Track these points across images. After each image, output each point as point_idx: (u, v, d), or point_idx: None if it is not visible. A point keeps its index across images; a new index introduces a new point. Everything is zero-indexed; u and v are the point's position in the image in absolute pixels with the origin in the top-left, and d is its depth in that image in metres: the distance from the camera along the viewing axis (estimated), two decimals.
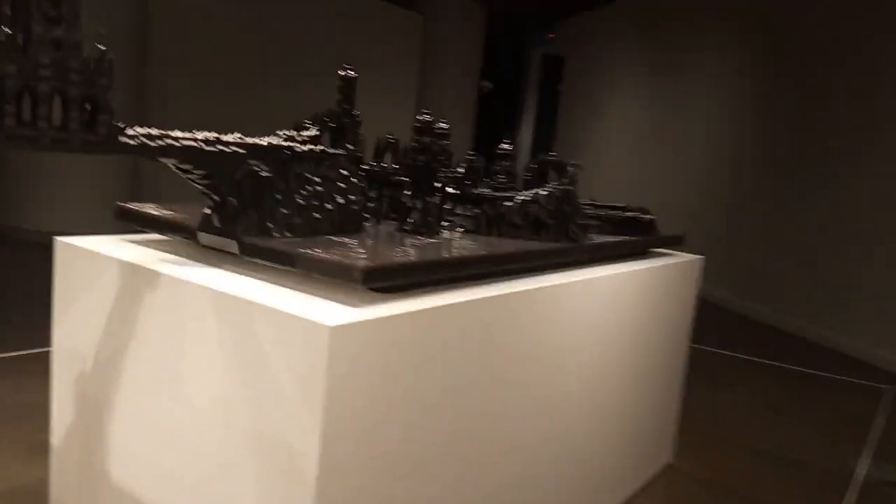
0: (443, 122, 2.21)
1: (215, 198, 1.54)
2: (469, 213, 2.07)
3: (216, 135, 1.52)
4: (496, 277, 1.80)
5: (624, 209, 2.59)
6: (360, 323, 1.26)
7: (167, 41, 7.19)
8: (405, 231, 1.89)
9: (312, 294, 1.40)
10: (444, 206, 2.09)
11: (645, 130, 9.24)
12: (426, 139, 1.91)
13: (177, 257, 1.64)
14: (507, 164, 2.26)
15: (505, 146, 2.30)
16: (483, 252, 1.74)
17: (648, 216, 2.62)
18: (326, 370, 1.20)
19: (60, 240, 1.74)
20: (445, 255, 1.62)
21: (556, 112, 12.63)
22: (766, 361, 5.07)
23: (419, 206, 1.89)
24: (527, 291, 1.75)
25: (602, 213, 2.54)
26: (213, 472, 1.41)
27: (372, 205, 2.05)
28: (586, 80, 11.21)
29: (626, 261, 2.44)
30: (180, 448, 1.48)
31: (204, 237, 1.59)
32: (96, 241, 1.73)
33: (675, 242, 2.90)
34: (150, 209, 1.77)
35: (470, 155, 2.17)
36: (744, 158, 7.25)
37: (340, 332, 1.22)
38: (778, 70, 6.92)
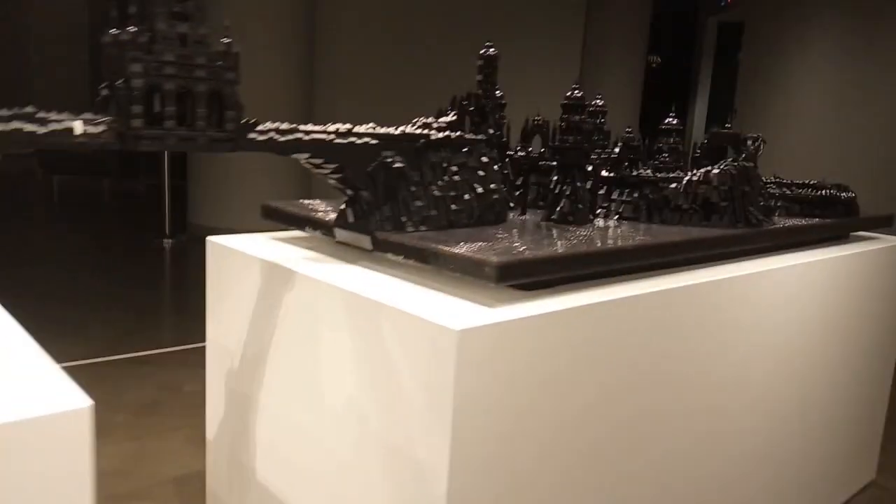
0: (597, 98, 2.01)
1: (349, 192, 1.48)
2: (628, 199, 1.86)
3: (349, 126, 1.45)
4: (659, 270, 1.58)
5: (817, 187, 2.22)
6: (491, 325, 1.12)
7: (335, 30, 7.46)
8: (553, 221, 1.72)
9: (447, 293, 1.29)
10: (599, 192, 1.90)
11: (839, 98, 8.22)
12: (576, 118, 1.72)
13: (316, 254, 1.60)
14: (673, 140, 2.01)
15: (670, 120, 2.05)
16: (639, 242, 1.53)
17: (847, 194, 2.23)
18: (454, 378, 1.08)
19: (211, 239, 1.77)
20: (593, 246, 1.43)
21: (734, 85, 11.67)
22: None
23: (568, 192, 1.72)
24: (691, 286, 1.52)
25: (790, 192, 2.20)
26: (348, 476, 1.35)
27: (518, 193, 1.91)
28: (768, 46, 10.21)
29: (823, 246, 2.09)
30: (318, 449, 1.43)
31: (340, 233, 1.53)
32: (244, 239, 1.74)
33: (884, 224, 2.46)
34: (293, 207, 1.75)
35: (627, 132, 1.95)
36: None
37: (469, 337, 1.09)
38: None
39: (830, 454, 2.28)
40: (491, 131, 1.66)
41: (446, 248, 1.30)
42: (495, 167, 1.66)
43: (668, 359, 1.49)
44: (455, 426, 1.10)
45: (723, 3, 12.01)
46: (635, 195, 1.85)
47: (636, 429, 1.45)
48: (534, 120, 2.00)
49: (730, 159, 1.87)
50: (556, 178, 1.73)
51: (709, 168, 1.81)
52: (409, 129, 1.54)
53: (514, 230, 1.57)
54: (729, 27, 12.06)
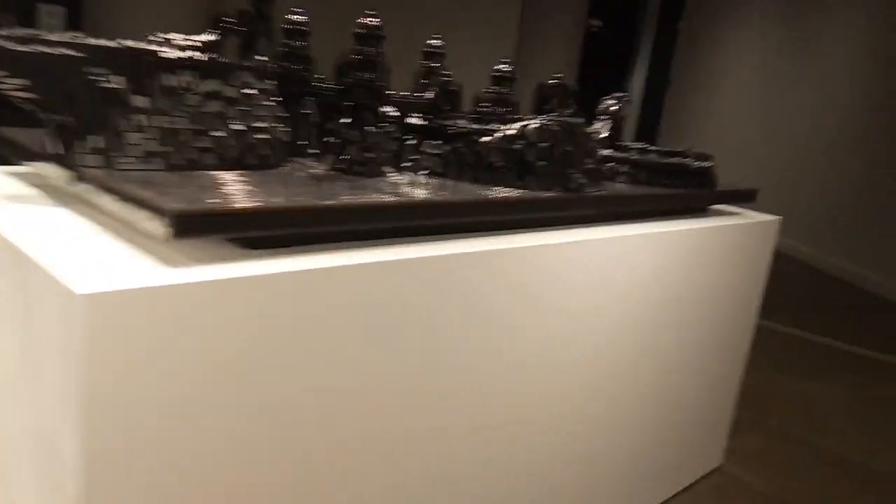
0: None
1: (52, 117, 1.20)
2: (437, 152, 1.63)
3: (59, 36, 1.17)
4: (437, 236, 1.36)
5: (666, 154, 2.04)
6: (139, 291, 0.88)
7: None
8: (340, 171, 1.48)
9: (136, 245, 1.04)
10: (408, 142, 1.66)
11: (767, 73, 8.18)
12: (371, 50, 1.47)
13: (14, 193, 1.33)
14: (502, 89, 1.78)
15: (502, 67, 1.82)
16: (403, 199, 1.29)
17: (701, 163, 2.05)
18: (86, 355, 0.84)
19: None
20: (335, 200, 1.19)
21: (671, 54, 11.57)
22: (871, 353, 4.28)
23: (357, 137, 1.47)
24: (459, 255, 1.30)
25: (633, 157, 2.00)
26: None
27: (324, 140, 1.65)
28: (708, 16, 10.11)
29: (665, 219, 1.91)
30: None
31: (38, 167, 1.25)
32: None
33: (746, 199, 2.31)
34: (18, 134, 1.46)
35: (444, 75, 1.71)
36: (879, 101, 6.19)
37: (104, 303, 0.85)
38: None
39: (671, 439, 2.16)
40: (260, 58, 1.39)
41: (132, 192, 1.04)
42: (267, 102, 1.40)
43: (433, 341, 1.28)
44: (90, 416, 0.87)
45: None
46: (447, 148, 1.62)
47: (382, 428, 1.25)
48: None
49: (554, 114, 1.65)
50: (344, 121, 1.48)
51: (526, 122, 1.58)
52: (141, 44, 1.27)
53: (274, 178, 1.32)
54: None
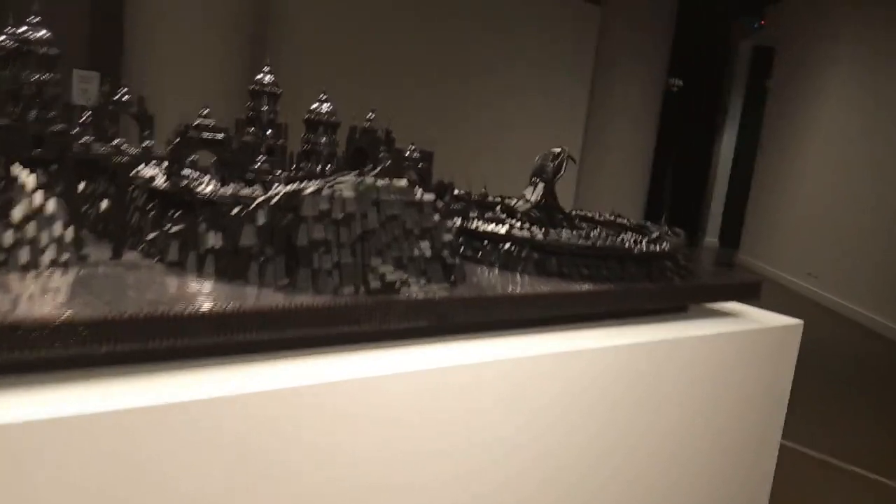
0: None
1: None
2: (172, 229, 1.07)
3: None
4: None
5: (625, 227, 1.39)
6: None
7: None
8: None
9: None
10: (148, 212, 1.12)
11: (857, 133, 7.18)
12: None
13: None
14: (270, 138, 1.22)
15: (261, 80, 1.26)
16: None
17: (657, 244, 1.38)
18: None
19: None
20: None
21: (762, 113, 10.63)
22: None
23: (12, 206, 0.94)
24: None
25: (538, 237, 1.36)
26: None
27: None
28: (798, 73, 9.20)
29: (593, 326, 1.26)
30: None
31: None
32: None
33: (737, 296, 1.61)
34: None
35: (201, 115, 1.15)
36: None
37: None
38: None
39: None
40: None
41: None
42: None
43: None
44: None
45: (756, 26, 11.00)
46: (184, 225, 1.06)
47: None
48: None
49: (357, 171, 1.07)
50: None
51: (302, 186, 1.01)
52: None
53: None
54: (761, 51, 11.05)
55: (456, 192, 1.76)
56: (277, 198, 1.01)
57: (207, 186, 1.08)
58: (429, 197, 1.12)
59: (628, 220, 1.80)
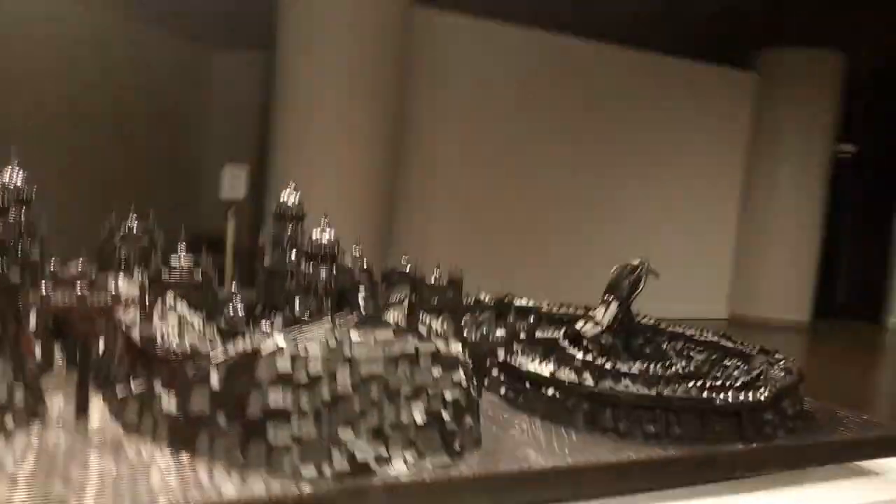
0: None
1: None
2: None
3: None
4: None
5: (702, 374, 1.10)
6: None
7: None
8: None
9: None
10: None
11: None
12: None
13: None
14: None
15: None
16: None
17: (753, 392, 1.07)
18: None
19: None
20: None
21: None
22: None
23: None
24: None
25: (593, 386, 1.10)
26: None
27: None
28: None
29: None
30: None
31: None
32: None
33: (879, 452, 1.22)
34: None
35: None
36: None
37: None
38: None
39: None
40: None
41: None
42: None
43: None
44: None
45: None
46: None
47: None
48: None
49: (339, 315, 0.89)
50: None
51: (273, 333, 0.85)
52: None
53: None
54: None
55: (519, 303, 1.54)
56: (233, 357, 0.86)
57: (179, 338, 0.96)
58: (427, 346, 0.92)
59: (740, 342, 1.47)
